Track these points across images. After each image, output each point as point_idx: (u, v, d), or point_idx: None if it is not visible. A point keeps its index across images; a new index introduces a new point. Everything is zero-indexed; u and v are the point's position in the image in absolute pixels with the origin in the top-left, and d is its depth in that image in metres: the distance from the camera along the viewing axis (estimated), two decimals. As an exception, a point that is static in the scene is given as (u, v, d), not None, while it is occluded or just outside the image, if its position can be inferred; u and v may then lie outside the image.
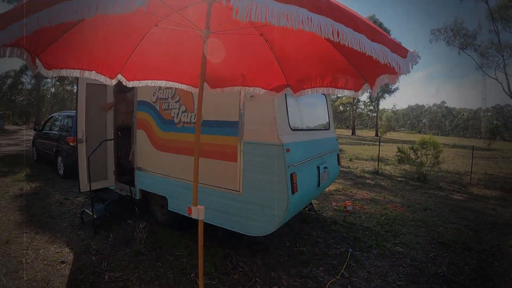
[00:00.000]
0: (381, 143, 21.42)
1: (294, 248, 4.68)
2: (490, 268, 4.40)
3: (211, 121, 4.24)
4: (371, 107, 53.36)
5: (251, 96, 3.84)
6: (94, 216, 4.90)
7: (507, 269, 4.38)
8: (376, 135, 46.79)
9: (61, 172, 9.02)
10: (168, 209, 4.76)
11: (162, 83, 3.05)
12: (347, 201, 6.99)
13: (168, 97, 4.77)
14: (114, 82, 2.76)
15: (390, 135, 51.52)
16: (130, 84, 2.90)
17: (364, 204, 7.39)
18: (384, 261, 4.41)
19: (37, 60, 2.12)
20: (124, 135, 6.18)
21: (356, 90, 2.52)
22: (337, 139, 6.29)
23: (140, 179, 5.22)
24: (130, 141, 6.04)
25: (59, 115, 10.13)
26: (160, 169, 4.88)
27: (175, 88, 4.66)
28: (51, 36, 2.08)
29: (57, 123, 9.94)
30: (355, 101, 51.65)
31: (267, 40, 2.58)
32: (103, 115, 5.53)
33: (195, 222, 4.65)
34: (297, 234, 5.16)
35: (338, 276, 3.91)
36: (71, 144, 8.40)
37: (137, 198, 5.27)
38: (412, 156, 11.39)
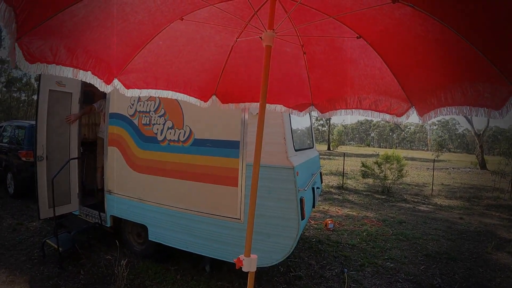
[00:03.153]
0: (336, 157, 22.05)
1: (290, 273, 4.40)
2: (478, 274, 4.63)
3: (205, 140, 3.78)
4: (321, 122, 55.19)
5: (257, 114, 3.46)
6: (60, 248, 4.09)
7: (492, 274, 4.65)
8: (329, 149, 48.36)
9: (11, 190, 7.77)
10: (149, 239, 4.14)
11: (168, 94, 2.45)
12: (327, 219, 6.84)
13: (150, 111, 4.19)
14: (109, 89, 2.09)
15: (341, 148, 53.72)
16: (128, 92, 2.27)
17: (341, 220, 7.31)
18: (380, 279, 4.37)
19: (16, 47, 1.43)
20: (88, 152, 5.40)
21: (399, 115, 2.26)
22: (319, 157, 6.13)
23: (111, 204, 4.51)
24: (96, 159, 5.29)
25: (8, 125, 8.81)
26: (138, 193, 4.24)
27: (159, 101, 4.11)
28: (44, 10, 1.43)
29: (6, 134, 8.62)
30: (306, 115, 52.93)
31: (305, 52, 2.25)
32: (66, 128, 4.72)
33: (177, 252, 4.16)
34: (287, 258, 4.83)
35: (344, 301, 3.71)
36: (23, 159, 7.25)
37: (108, 225, 4.55)
38: (377, 170, 11.72)
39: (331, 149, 48.74)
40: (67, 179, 4.68)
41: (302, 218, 3.43)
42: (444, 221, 7.78)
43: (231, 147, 3.63)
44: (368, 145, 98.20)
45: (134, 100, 4.31)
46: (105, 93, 4.92)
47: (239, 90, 2.70)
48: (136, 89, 2.30)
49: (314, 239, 5.82)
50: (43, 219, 4.56)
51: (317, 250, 5.29)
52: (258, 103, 2.77)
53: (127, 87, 2.23)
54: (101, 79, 1.98)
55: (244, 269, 1.78)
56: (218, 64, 2.43)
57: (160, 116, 4.11)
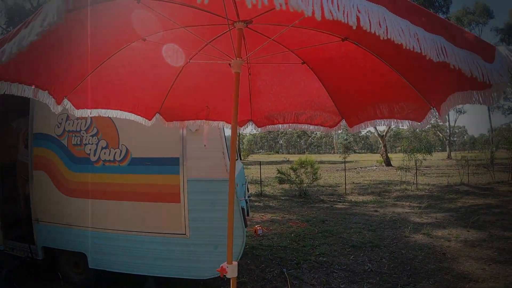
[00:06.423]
0: (248, 166, 22.58)
1: (234, 280, 4.57)
2: (402, 256, 5.42)
3: (143, 158, 3.80)
4: (228, 132, 55.71)
5: (196, 130, 3.63)
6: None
7: (414, 253, 5.49)
8: (240, 158, 48.85)
9: None
10: (89, 267, 3.92)
11: (117, 113, 2.47)
12: (255, 226, 7.11)
13: (80, 130, 4.01)
14: (59, 109, 2.03)
15: (252, 157, 55.02)
16: (78, 113, 2.23)
17: (268, 225, 7.70)
18: (318, 272, 4.82)
19: None
20: (7, 177, 4.85)
21: (332, 126, 2.65)
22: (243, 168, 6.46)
23: (42, 234, 4.14)
24: (16, 184, 4.80)
25: None
26: (72, 219, 4.00)
27: (91, 119, 3.97)
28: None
29: None
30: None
31: (250, 73, 2.51)
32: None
33: (122, 276, 4.01)
34: (228, 266, 5.02)
35: (289, 296, 4.02)
36: None
37: (40, 258, 4.16)
38: (293, 175, 12.41)
39: (242, 158, 49.71)
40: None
41: (245, 226, 3.70)
42: (362, 215, 8.75)
43: (171, 164, 3.71)
44: (277, 152, 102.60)
45: (62, 119, 4.08)
46: (21, 112, 4.55)
47: (184, 108, 2.82)
48: (86, 109, 2.28)
49: (247, 246, 6.05)
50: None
51: (253, 256, 5.56)
52: (201, 121, 2.97)
53: (77, 107, 2.20)
54: (55, 98, 1.93)
55: (228, 276, 1.89)
56: (166, 83, 2.50)
57: (92, 136, 3.98)
